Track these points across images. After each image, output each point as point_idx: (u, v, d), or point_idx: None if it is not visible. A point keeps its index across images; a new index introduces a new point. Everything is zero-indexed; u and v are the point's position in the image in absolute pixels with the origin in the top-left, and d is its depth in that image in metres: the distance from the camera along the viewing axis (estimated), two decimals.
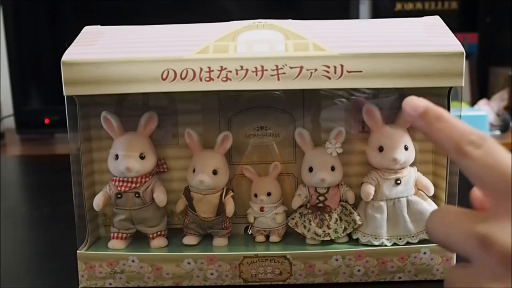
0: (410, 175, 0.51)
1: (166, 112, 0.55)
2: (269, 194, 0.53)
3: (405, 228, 0.51)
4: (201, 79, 0.44)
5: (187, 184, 0.53)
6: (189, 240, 0.53)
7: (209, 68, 0.44)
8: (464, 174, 0.31)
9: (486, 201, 0.30)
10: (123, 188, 0.51)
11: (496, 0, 2.00)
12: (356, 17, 1.42)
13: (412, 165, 0.52)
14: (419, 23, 0.50)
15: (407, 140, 0.51)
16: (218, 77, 0.44)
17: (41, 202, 0.82)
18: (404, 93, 0.54)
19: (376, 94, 0.54)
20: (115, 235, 0.52)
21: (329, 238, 0.51)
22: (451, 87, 0.49)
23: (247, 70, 0.44)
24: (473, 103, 1.89)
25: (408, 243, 0.50)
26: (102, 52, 0.46)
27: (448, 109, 0.50)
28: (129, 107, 0.54)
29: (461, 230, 0.28)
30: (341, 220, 0.52)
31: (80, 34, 0.51)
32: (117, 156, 0.51)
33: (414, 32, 0.48)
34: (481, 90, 2.01)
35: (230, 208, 0.53)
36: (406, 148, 0.51)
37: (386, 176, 0.51)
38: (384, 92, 0.54)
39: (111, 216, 0.54)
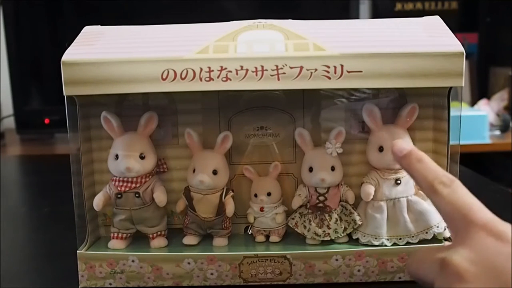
0: None
1: (166, 112, 0.55)
2: (269, 194, 0.53)
3: (405, 228, 0.51)
4: (201, 79, 0.44)
5: (187, 184, 0.53)
6: (189, 240, 0.53)
7: (209, 68, 0.44)
8: (438, 207, 0.36)
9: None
10: (123, 188, 0.51)
11: (496, 0, 2.00)
12: (356, 17, 1.42)
13: None
14: (419, 23, 0.50)
15: (407, 140, 0.51)
16: (218, 77, 0.44)
17: (41, 202, 0.82)
18: (404, 93, 0.54)
19: (376, 94, 0.54)
20: (115, 235, 0.52)
21: (329, 238, 0.51)
22: (451, 87, 0.49)
23: (247, 70, 0.44)
24: (473, 103, 1.89)
25: (408, 243, 0.50)
26: (102, 52, 0.46)
27: (448, 109, 0.50)
28: (129, 107, 0.54)
29: (428, 260, 0.34)
30: (341, 220, 0.52)
31: (80, 34, 0.51)
32: (117, 156, 0.51)
33: (414, 32, 0.48)
34: (481, 90, 2.02)
35: (230, 208, 0.53)
36: None
37: (386, 176, 0.51)
38: (384, 92, 0.54)
39: (111, 216, 0.54)
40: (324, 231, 0.51)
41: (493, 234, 0.31)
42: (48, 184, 0.95)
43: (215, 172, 0.52)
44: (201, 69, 0.44)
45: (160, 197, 0.52)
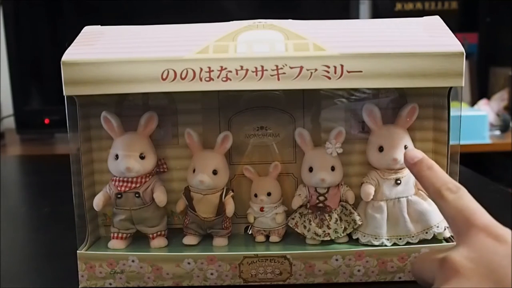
0: (410, 175, 0.51)
1: (166, 112, 0.55)
2: (269, 194, 0.53)
3: (405, 228, 0.50)
4: (201, 79, 0.44)
5: (187, 184, 0.53)
6: (189, 240, 0.53)
7: (209, 68, 0.44)
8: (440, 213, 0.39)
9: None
10: (123, 188, 0.51)
11: (496, 0, 2.00)
12: (356, 17, 1.42)
13: None
14: (419, 23, 0.50)
15: (407, 140, 0.51)
16: (218, 77, 0.44)
17: (41, 202, 0.82)
18: (404, 93, 0.54)
19: (376, 94, 0.54)
20: (115, 235, 0.52)
21: (329, 238, 0.51)
22: (451, 87, 0.49)
23: (247, 70, 0.44)
24: (473, 103, 1.89)
25: (408, 243, 0.50)
26: (102, 52, 0.46)
27: (448, 109, 0.50)
28: (129, 107, 0.54)
29: (429, 260, 0.36)
30: (341, 220, 0.52)
31: (80, 34, 0.51)
32: (117, 156, 0.51)
33: (414, 32, 0.48)
34: (481, 90, 2.02)
35: (230, 208, 0.53)
36: (406, 148, 0.51)
37: (386, 176, 0.51)
38: (384, 92, 0.54)
39: (111, 216, 0.54)
40: (324, 231, 0.51)
41: (492, 235, 0.33)
42: (48, 184, 0.95)
43: (215, 172, 0.52)
44: (201, 69, 0.44)
45: (160, 197, 0.52)
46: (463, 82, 0.45)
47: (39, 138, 1.48)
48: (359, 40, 0.47)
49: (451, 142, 0.50)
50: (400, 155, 0.50)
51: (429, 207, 0.50)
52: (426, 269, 0.36)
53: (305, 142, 0.53)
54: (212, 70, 0.44)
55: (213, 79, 0.44)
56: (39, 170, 1.11)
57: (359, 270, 0.49)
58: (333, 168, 0.51)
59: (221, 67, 0.44)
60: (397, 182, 0.51)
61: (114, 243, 0.52)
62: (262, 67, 0.44)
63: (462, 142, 0.50)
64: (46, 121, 1.37)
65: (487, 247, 0.32)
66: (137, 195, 0.51)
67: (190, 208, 0.53)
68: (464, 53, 0.45)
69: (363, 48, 0.45)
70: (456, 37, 0.47)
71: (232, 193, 0.53)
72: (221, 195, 0.52)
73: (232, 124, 0.55)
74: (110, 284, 0.49)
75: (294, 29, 0.49)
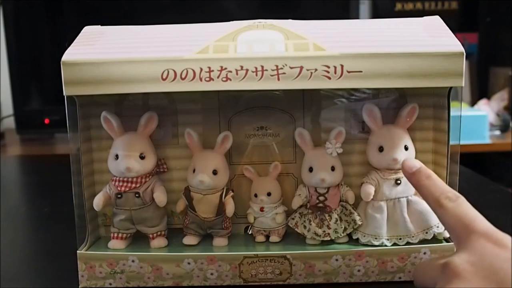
0: None
1: (166, 112, 0.55)
2: (269, 194, 0.53)
3: (405, 228, 0.50)
4: (201, 79, 0.44)
5: (187, 184, 0.53)
6: (189, 240, 0.53)
7: (209, 68, 0.44)
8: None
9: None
10: (123, 188, 0.51)
11: (496, 0, 2.00)
12: (356, 17, 1.42)
13: None
14: (419, 23, 0.50)
15: (407, 140, 0.51)
16: (218, 77, 0.44)
17: (41, 202, 0.82)
18: (404, 93, 0.54)
19: (376, 94, 0.54)
20: (115, 235, 0.52)
21: (329, 238, 0.51)
22: (451, 87, 0.49)
23: (247, 70, 0.44)
24: (473, 103, 1.89)
25: (408, 243, 0.50)
26: (102, 52, 0.46)
27: (448, 109, 0.50)
28: (129, 107, 0.54)
29: (431, 266, 0.36)
30: (341, 220, 0.52)
31: (80, 34, 0.51)
32: (117, 156, 0.51)
33: (414, 32, 0.48)
34: (481, 90, 2.02)
35: (230, 208, 0.53)
36: (406, 148, 0.51)
37: (386, 176, 0.51)
38: (384, 92, 0.54)
39: (111, 216, 0.54)
40: (324, 231, 0.51)
41: (492, 241, 0.33)
42: (48, 184, 0.95)
43: (215, 172, 0.52)
44: (201, 69, 0.44)
45: (160, 197, 0.52)
46: (463, 82, 0.45)
47: (39, 138, 1.48)
48: (359, 40, 0.47)
49: (451, 142, 0.50)
50: (400, 155, 0.50)
51: (429, 207, 0.50)
52: (427, 276, 0.37)
53: (305, 142, 0.53)
54: (212, 70, 0.44)
55: (213, 79, 0.44)
56: (39, 170, 1.11)
57: (359, 270, 0.49)
58: (333, 168, 0.51)
59: (221, 67, 0.44)
60: (397, 182, 0.51)
61: (114, 243, 0.52)
62: (262, 67, 0.44)
63: (462, 142, 0.50)
64: (46, 121, 1.37)
65: (488, 251, 0.33)
66: (137, 195, 0.51)
67: (190, 208, 0.53)
68: (464, 53, 0.45)
69: (363, 48, 0.45)
70: (456, 37, 0.47)
71: (232, 193, 0.53)
72: (221, 195, 0.52)
73: (232, 124, 0.55)
74: (110, 284, 0.49)
75: (294, 29, 0.49)
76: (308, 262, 0.49)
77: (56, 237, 0.64)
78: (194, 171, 0.52)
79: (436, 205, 0.38)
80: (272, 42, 0.46)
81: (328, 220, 0.51)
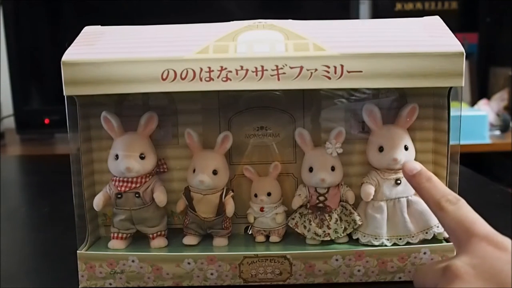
0: None
1: (166, 112, 0.55)
2: (269, 194, 0.53)
3: (405, 228, 0.50)
4: (201, 79, 0.44)
5: (187, 184, 0.53)
6: (189, 240, 0.53)
7: (209, 68, 0.44)
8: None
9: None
10: (123, 188, 0.51)
11: (496, 0, 2.00)
12: (356, 17, 1.42)
13: None
14: (419, 23, 0.50)
15: (407, 140, 0.51)
16: (218, 77, 0.44)
17: (41, 202, 0.82)
18: (404, 93, 0.54)
19: (376, 94, 0.54)
20: (115, 235, 0.52)
21: (329, 238, 0.51)
22: (451, 87, 0.49)
23: (247, 70, 0.44)
24: (473, 103, 1.89)
25: (408, 243, 0.50)
26: (102, 52, 0.46)
27: (448, 109, 0.50)
28: (129, 107, 0.54)
29: (432, 269, 0.37)
30: (341, 220, 0.52)
31: (80, 34, 0.51)
32: (117, 156, 0.51)
33: (414, 32, 0.48)
34: (481, 90, 2.02)
35: (230, 208, 0.53)
36: (406, 148, 0.51)
37: (386, 176, 0.51)
38: (384, 92, 0.54)
39: (111, 216, 0.54)
40: (324, 231, 0.51)
41: (493, 244, 0.34)
42: (48, 184, 0.95)
43: (215, 172, 0.52)
44: (201, 69, 0.44)
45: (160, 197, 0.52)
46: (463, 82, 0.45)
47: (39, 138, 1.48)
48: (359, 40, 0.47)
49: (451, 142, 0.50)
50: (400, 155, 0.50)
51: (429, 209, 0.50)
52: (428, 280, 0.37)
53: (305, 142, 0.53)
54: (212, 70, 0.44)
55: (213, 79, 0.44)
56: (39, 170, 1.11)
57: (359, 270, 0.49)
58: (333, 168, 0.51)
59: (221, 67, 0.44)
60: (397, 182, 0.51)
61: (114, 243, 0.52)
62: (262, 67, 0.44)
63: (462, 142, 0.50)
64: (46, 121, 1.37)
65: (489, 254, 0.33)
66: (137, 195, 0.51)
67: (190, 208, 0.53)
68: (464, 53, 0.45)
69: (363, 48, 0.45)
70: (456, 37, 0.47)
71: (232, 193, 0.53)
72: (221, 195, 0.52)
73: (232, 124, 0.55)
74: (110, 284, 0.49)
75: (294, 29, 0.49)
76: (308, 262, 0.49)
77: (56, 237, 0.64)
78: (194, 171, 0.52)
79: (437, 208, 0.39)
80: (272, 42, 0.46)
81: (328, 220, 0.51)
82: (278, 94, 0.54)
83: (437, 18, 0.51)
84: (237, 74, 0.44)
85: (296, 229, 0.53)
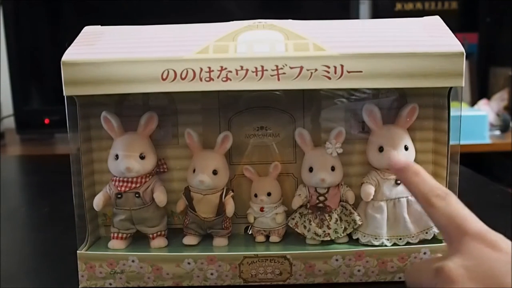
0: None
1: (166, 112, 0.55)
2: (269, 194, 0.53)
3: (405, 228, 0.50)
4: (201, 79, 0.44)
5: (187, 184, 0.53)
6: (189, 240, 0.53)
7: (209, 68, 0.44)
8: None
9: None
10: (123, 188, 0.51)
11: (496, 0, 1.99)
12: (356, 17, 1.42)
13: None
14: (419, 23, 0.50)
15: (407, 140, 0.51)
16: (218, 77, 0.44)
17: (41, 202, 0.82)
18: (404, 93, 0.54)
19: (376, 94, 0.54)
20: (115, 235, 0.52)
21: (329, 238, 0.51)
22: (451, 87, 0.49)
23: (247, 70, 0.44)
24: (473, 103, 1.89)
25: (408, 243, 0.50)
26: (102, 52, 0.46)
27: (448, 109, 0.50)
28: (129, 107, 0.54)
29: (425, 270, 0.35)
30: (341, 220, 0.52)
31: (80, 34, 0.51)
32: (117, 156, 0.51)
33: (414, 32, 0.48)
34: (481, 90, 2.02)
35: (230, 208, 0.53)
36: (406, 148, 0.51)
37: (386, 176, 0.51)
38: (384, 92, 0.54)
39: (111, 216, 0.54)
40: (324, 231, 0.51)
41: (486, 243, 0.32)
42: (48, 184, 0.95)
43: (215, 172, 0.52)
44: (201, 69, 0.44)
45: (160, 197, 0.52)
46: (463, 82, 0.45)
47: (39, 138, 1.48)
48: (359, 40, 0.47)
49: (451, 142, 0.50)
50: (400, 155, 0.50)
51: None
52: (421, 279, 0.36)
53: (305, 142, 0.53)
54: (212, 70, 0.44)
55: (213, 79, 0.44)
56: (39, 170, 1.11)
57: (359, 270, 0.49)
58: (333, 168, 0.51)
59: (221, 67, 0.44)
60: (397, 182, 0.51)
61: (114, 243, 0.52)
62: (262, 67, 0.44)
63: (462, 142, 0.50)
64: (46, 121, 1.37)
65: (483, 254, 0.32)
66: (137, 195, 0.51)
67: (190, 208, 0.53)
68: (464, 53, 0.45)
69: (363, 48, 0.45)
70: (456, 37, 0.47)
71: (232, 193, 0.53)
72: (221, 195, 0.52)
73: (232, 124, 0.55)
74: (110, 284, 0.49)
75: (294, 29, 0.49)
76: (308, 262, 0.49)
77: (56, 237, 0.64)
78: (194, 171, 0.52)
79: (426, 203, 0.37)
80: (272, 42, 0.46)
81: (328, 220, 0.51)
82: (278, 94, 0.54)
83: (437, 18, 0.51)
84: (237, 74, 0.44)
85: (296, 229, 0.53)
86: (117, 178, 0.52)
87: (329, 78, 0.44)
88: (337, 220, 0.52)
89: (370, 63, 0.44)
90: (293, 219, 0.53)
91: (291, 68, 0.44)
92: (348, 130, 0.54)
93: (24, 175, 1.18)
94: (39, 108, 1.41)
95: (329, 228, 0.51)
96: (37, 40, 1.42)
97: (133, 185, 0.51)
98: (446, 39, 0.47)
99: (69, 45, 0.48)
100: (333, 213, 0.52)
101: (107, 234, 0.55)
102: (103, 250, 0.51)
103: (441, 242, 0.51)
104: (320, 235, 0.51)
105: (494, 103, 1.72)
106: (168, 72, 0.44)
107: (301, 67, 0.44)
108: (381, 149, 0.51)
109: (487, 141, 1.56)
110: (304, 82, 0.44)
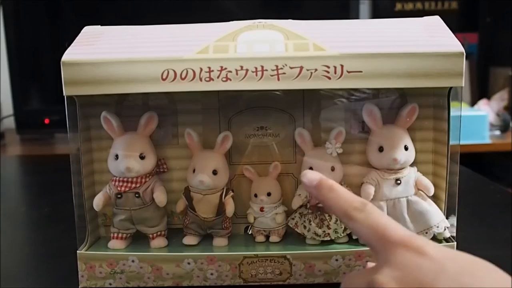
0: (410, 175, 0.51)
1: (166, 112, 0.55)
2: (269, 194, 0.53)
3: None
4: (201, 79, 0.44)
5: (187, 184, 0.53)
6: (189, 240, 0.53)
7: (209, 68, 0.44)
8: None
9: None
10: (123, 188, 0.51)
11: (496, 0, 2.00)
12: (356, 17, 1.42)
13: (412, 165, 0.52)
14: (419, 23, 0.50)
15: (407, 140, 0.51)
16: (218, 77, 0.44)
17: (41, 202, 0.82)
18: (404, 93, 0.54)
19: (376, 94, 0.54)
20: (115, 235, 0.52)
21: (329, 238, 0.51)
22: (451, 87, 0.49)
23: (247, 70, 0.44)
24: (473, 103, 1.89)
25: None
26: (102, 52, 0.46)
27: (448, 109, 0.50)
28: (129, 107, 0.54)
29: (357, 284, 0.34)
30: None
31: (80, 34, 0.51)
32: (117, 156, 0.51)
33: (414, 32, 0.48)
34: (481, 90, 2.02)
35: (230, 208, 0.53)
36: (406, 148, 0.51)
37: (386, 176, 0.51)
38: (384, 92, 0.54)
39: (111, 216, 0.54)
40: (324, 231, 0.51)
41: (411, 249, 0.32)
42: (48, 184, 0.95)
43: (215, 172, 0.52)
44: (201, 69, 0.44)
45: (160, 197, 0.52)
46: (463, 82, 0.45)
47: (39, 138, 1.48)
48: (359, 40, 0.47)
49: (451, 142, 0.50)
50: (400, 155, 0.50)
51: (429, 207, 0.50)
52: None
53: (305, 142, 0.53)
54: (212, 70, 0.44)
55: (213, 79, 0.44)
56: (39, 170, 1.11)
57: (359, 270, 0.49)
58: (333, 168, 0.51)
59: (221, 67, 0.44)
60: (397, 182, 0.51)
61: (114, 243, 0.52)
62: (262, 67, 0.44)
63: (462, 142, 0.50)
64: (46, 121, 1.37)
65: (410, 263, 0.31)
66: (137, 195, 0.51)
67: (190, 208, 0.53)
68: (464, 53, 0.45)
69: (363, 48, 0.45)
70: (456, 37, 0.47)
71: (232, 193, 0.53)
72: (221, 195, 0.52)
73: (232, 124, 0.55)
74: (110, 284, 0.49)
75: (294, 29, 0.49)
76: (308, 262, 0.49)
77: (56, 237, 0.64)
78: (194, 171, 0.52)
79: (346, 218, 0.36)
80: (272, 42, 0.46)
81: (328, 220, 0.51)
82: (278, 94, 0.54)
83: (437, 18, 0.51)
84: (237, 74, 0.44)
85: (296, 229, 0.53)
86: (117, 178, 0.52)
87: (329, 78, 0.44)
88: (337, 220, 0.51)
89: (370, 63, 0.44)
90: (293, 219, 0.53)
91: (291, 68, 0.44)
92: (348, 130, 0.54)
93: (24, 175, 1.18)
94: (39, 108, 1.41)
95: (329, 228, 0.51)
96: (37, 40, 1.42)
97: (133, 185, 0.51)
98: (446, 39, 0.47)
99: (69, 45, 0.48)
100: None
101: (107, 234, 0.55)
102: (103, 250, 0.51)
103: (441, 242, 0.51)
104: (320, 235, 0.51)
105: (494, 103, 1.72)
106: (168, 72, 0.44)
107: (301, 67, 0.44)
108: (381, 149, 0.51)
109: (487, 141, 1.56)
110: (304, 82, 0.44)
